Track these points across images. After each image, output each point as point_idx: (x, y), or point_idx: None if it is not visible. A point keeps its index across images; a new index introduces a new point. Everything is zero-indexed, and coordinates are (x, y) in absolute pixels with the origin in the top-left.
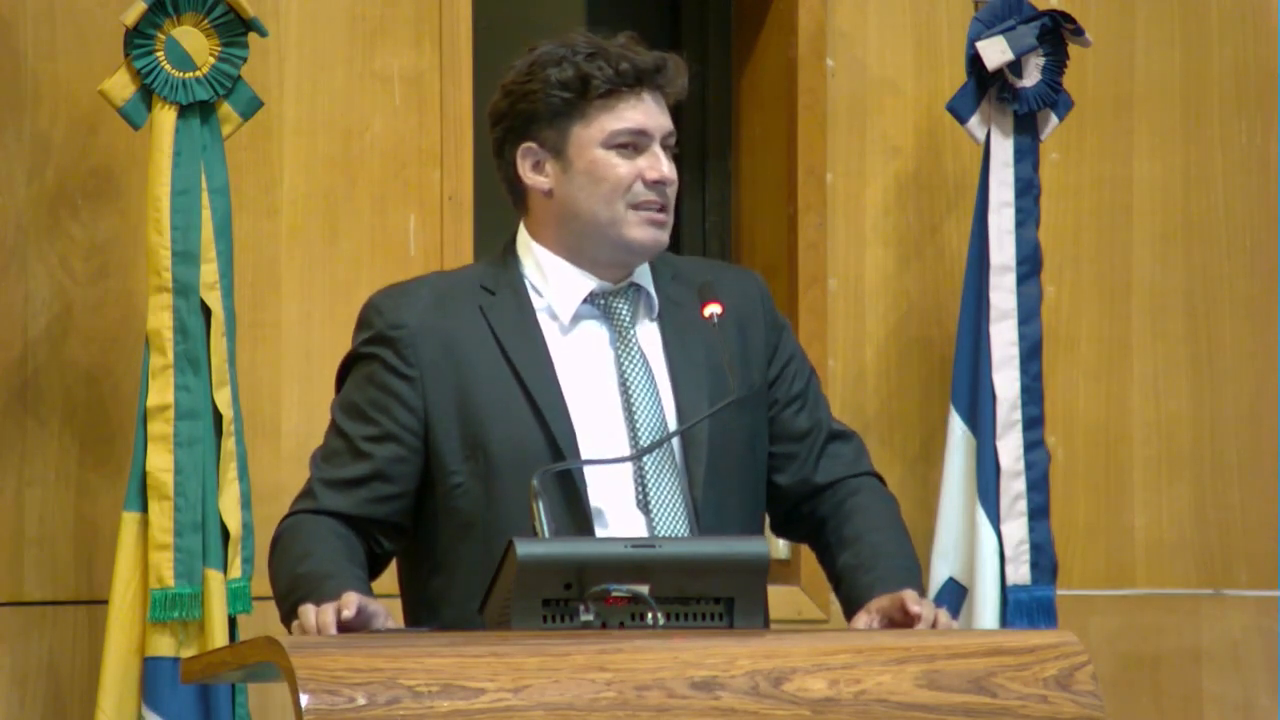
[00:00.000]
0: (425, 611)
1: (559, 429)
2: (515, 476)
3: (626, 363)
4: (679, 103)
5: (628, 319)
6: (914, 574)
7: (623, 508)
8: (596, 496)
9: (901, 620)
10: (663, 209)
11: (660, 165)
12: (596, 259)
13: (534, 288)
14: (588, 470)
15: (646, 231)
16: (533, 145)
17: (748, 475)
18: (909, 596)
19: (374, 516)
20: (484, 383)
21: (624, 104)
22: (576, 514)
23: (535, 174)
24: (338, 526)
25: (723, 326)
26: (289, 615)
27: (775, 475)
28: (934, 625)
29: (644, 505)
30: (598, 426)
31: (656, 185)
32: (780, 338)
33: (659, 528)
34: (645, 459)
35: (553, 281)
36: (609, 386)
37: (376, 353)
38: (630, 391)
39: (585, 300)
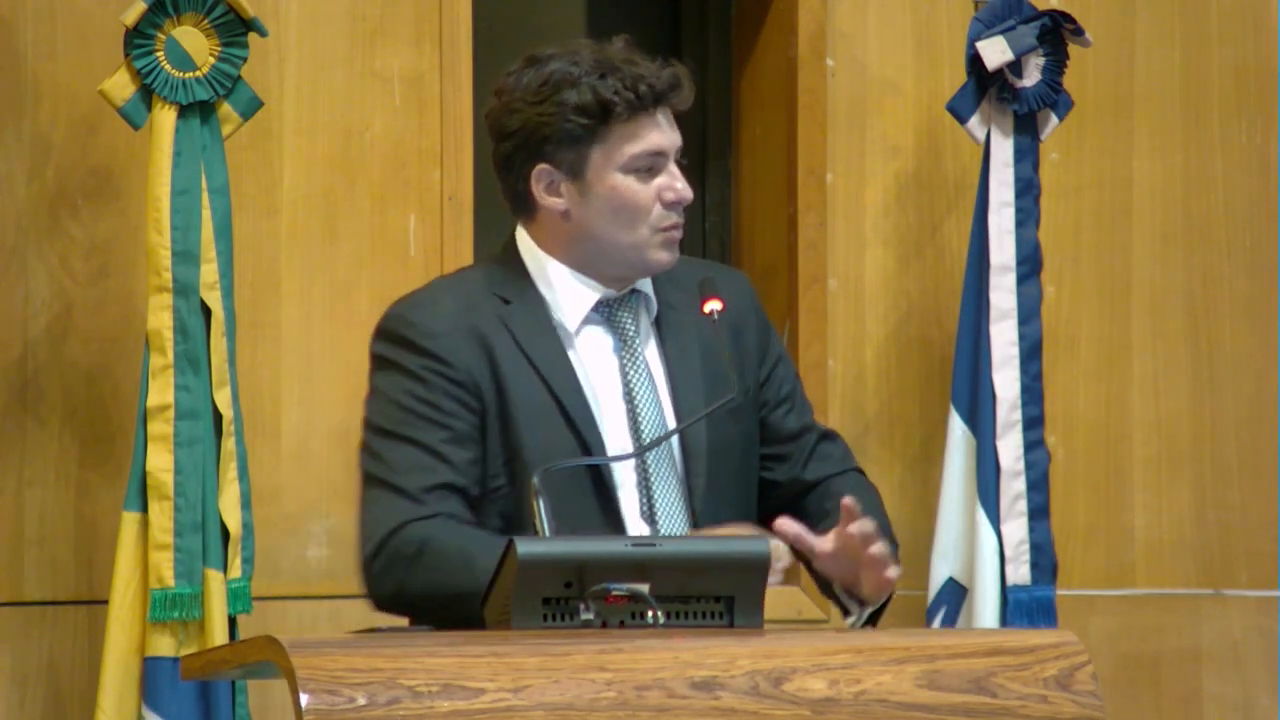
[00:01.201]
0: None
1: (590, 437)
2: (545, 480)
3: (631, 371)
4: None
5: (632, 328)
6: (894, 550)
7: (628, 518)
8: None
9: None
10: (679, 227)
11: (677, 185)
12: (607, 274)
13: (542, 297)
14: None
15: (665, 254)
16: (548, 167)
17: (743, 483)
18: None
19: (468, 519)
20: (516, 390)
21: (642, 126)
22: (612, 521)
23: (550, 195)
24: (468, 528)
25: (719, 327)
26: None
27: (764, 474)
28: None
29: (649, 516)
30: (608, 436)
31: (674, 205)
32: (769, 339)
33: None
34: (650, 469)
35: (559, 291)
36: (614, 395)
37: (423, 363)
38: (635, 400)
39: (592, 308)
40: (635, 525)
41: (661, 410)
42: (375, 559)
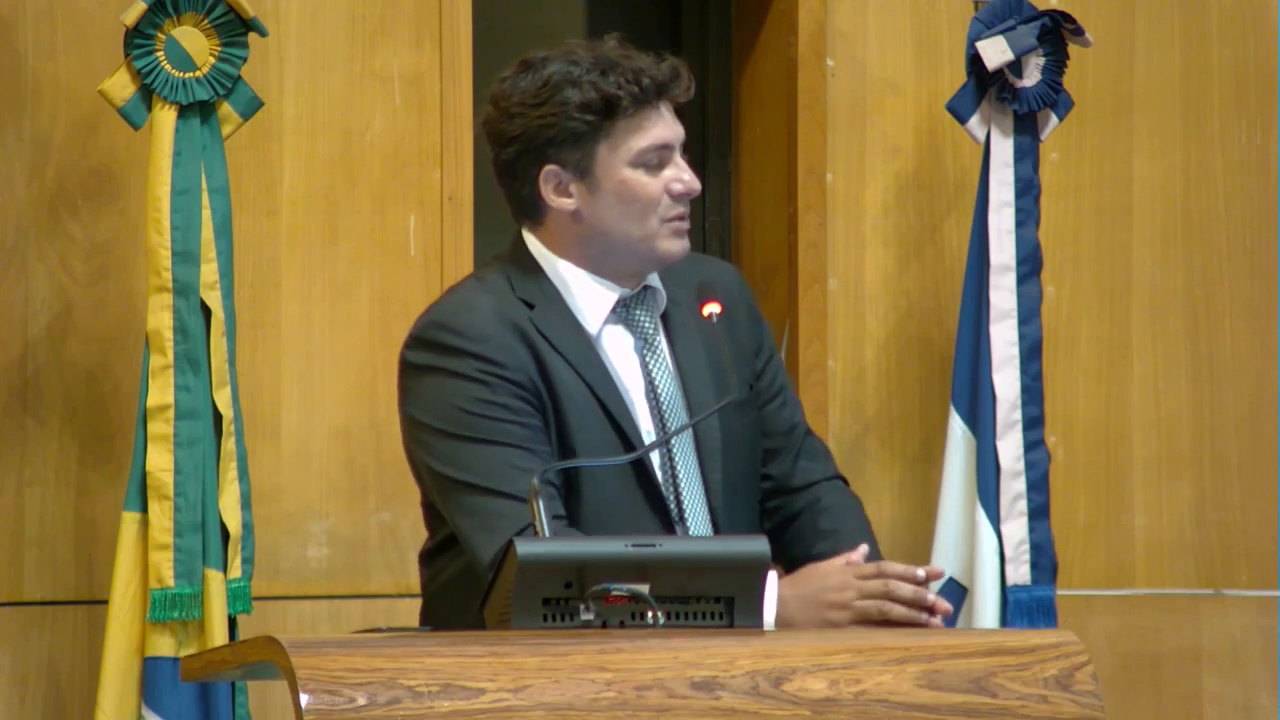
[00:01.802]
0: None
1: (631, 434)
2: (594, 479)
3: (654, 367)
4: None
5: (650, 325)
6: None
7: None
8: None
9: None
10: (686, 217)
11: (684, 176)
12: (620, 271)
13: (563, 298)
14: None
15: (676, 243)
16: (555, 168)
17: (752, 478)
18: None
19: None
20: (562, 389)
21: (647, 120)
22: (661, 514)
23: (559, 196)
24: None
25: (716, 325)
26: None
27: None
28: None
29: (679, 515)
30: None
31: (682, 196)
32: (762, 332)
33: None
34: (679, 468)
35: (578, 293)
36: (639, 392)
37: (478, 365)
38: (659, 396)
39: (611, 308)
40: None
41: (682, 405)
42: None
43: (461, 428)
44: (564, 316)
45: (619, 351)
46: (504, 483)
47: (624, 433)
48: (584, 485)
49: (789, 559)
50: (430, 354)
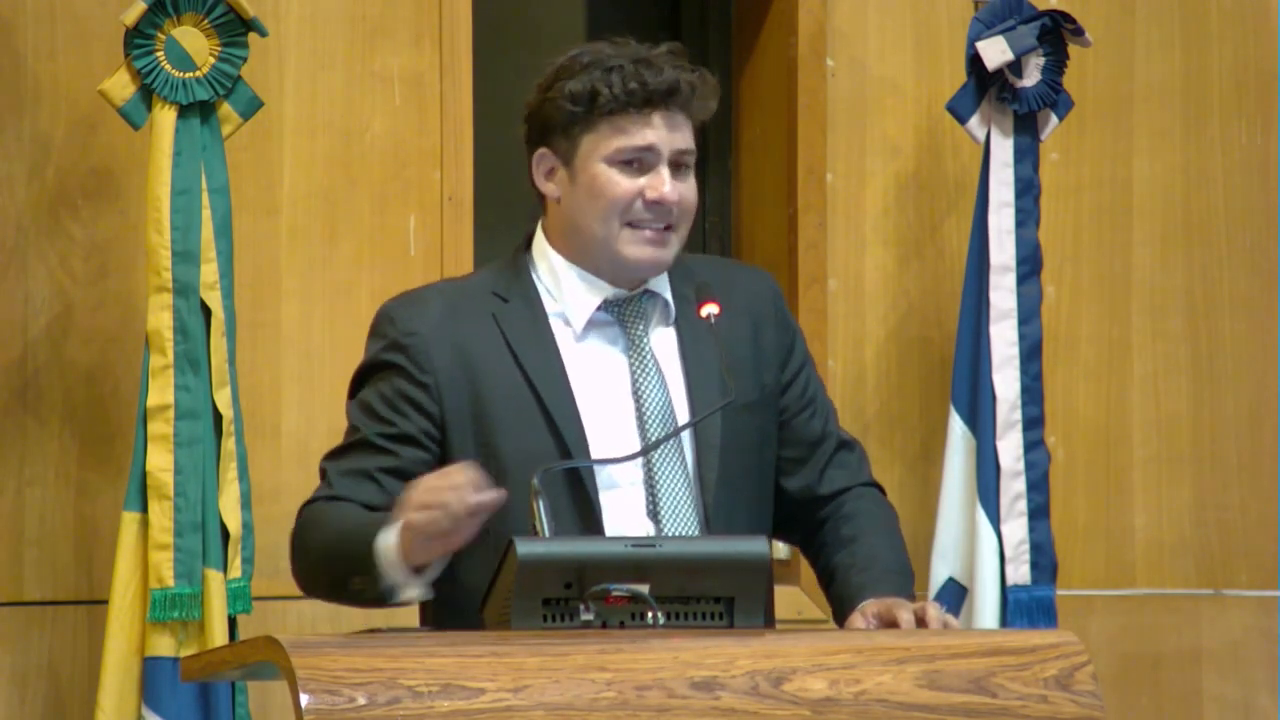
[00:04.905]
0: (432, 616)
1: (572, 439)
2: (526, 486)
3: (639, 370)
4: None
5: (640, 327)
6: (906, 580)
7: (632, 516)
8: (606, 505)
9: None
10: (666, 228)
11: (661, 186)
12: (600, 270)
13: (548, 293)
14: (598, 478)
15: (641, 250)
16: (547, 152)
17: (757, 479)
18: (899, 607)
19: (376, 505)
20: (497, 391)
21: (632, 123)
22: (588, 522)
23: (547, 181)
24: (361, 509)
25: (734, 326)
26: (345, 572)
27: (782, 479)
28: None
29: (654, 514)
30: (610, 435)
31: (655, 205)
32: (794, 341)
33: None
34: (656, 467)
35: (566, 288)
36: (622, 394)
37: (392, 360)
38: (642, 399)
39: (599, 307)
40: (638, 524)
41: (671, 409)
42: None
43: (353, 416)
44: (535, 313)
45: (605, 351)
46: (332, 465)
47: (561, 435)
48: (515, 490)
49: (817, 568)
50: (369, 337)
